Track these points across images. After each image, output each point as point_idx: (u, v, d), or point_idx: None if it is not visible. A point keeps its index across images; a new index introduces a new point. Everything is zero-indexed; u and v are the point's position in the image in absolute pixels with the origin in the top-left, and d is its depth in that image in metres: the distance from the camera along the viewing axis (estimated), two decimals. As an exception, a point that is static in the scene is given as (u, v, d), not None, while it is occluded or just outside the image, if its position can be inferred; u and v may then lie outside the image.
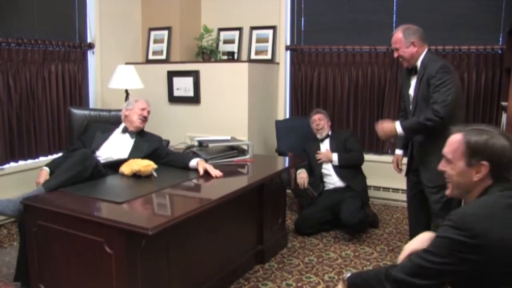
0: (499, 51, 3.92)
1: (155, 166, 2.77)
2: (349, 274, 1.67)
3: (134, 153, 3.03)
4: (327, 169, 3.87)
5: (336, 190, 3.80)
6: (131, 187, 2.57)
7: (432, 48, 4.07)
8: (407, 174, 3.05)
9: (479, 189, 1.51)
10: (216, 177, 2.77)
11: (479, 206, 1.42)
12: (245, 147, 3.32)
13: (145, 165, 2.72)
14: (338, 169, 3.81)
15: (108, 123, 3.48)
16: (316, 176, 3.88)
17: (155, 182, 2.62)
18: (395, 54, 2.87)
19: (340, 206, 3.60)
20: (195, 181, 2.76)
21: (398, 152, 3.21)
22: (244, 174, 3.09)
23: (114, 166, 2.87)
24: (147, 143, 3.13)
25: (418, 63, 2.78)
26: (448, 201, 2.58)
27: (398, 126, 2.79)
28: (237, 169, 3.09)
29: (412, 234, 2.95)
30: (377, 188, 4.50)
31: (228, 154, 3.22)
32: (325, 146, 3.94)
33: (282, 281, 2.90)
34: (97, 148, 3.03)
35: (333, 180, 3.83)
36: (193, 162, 2.94)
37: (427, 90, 2.69)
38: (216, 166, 3.04)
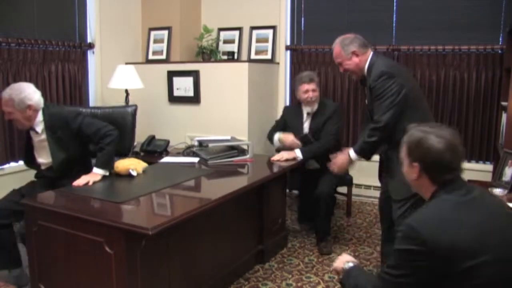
0: (499, 51, 3.91)
1: (136, 165, 2.76)
2: (350, 266, 1.69)
3: (54, 154, 2.79)
4: None
5: (314, 171, 3.53)
6: (131, 187, 2.57)
7: (432, 48, 4.09)
8: (379, 179, 2.96)
9: (426, 192, 1.55)
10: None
11: (426, 212, 1.45)
12: (245, 147, 3.32)
13: (122, 166, 2.72)
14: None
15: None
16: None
17: (155, 182, 2.62)
18: (341, 69, 2.73)
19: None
20: (195, 181, 2.76)
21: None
22: (244, 174, 3.09)
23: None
24: (59, 131, 2.76)
25: (365, 71, 2.64)
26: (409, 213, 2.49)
27: (351, 153, 2.70)
28: (237, 169, 3.09)
29: (383, 231, 2.90)
30: (368, 187, 4.51)
31: (228, 154, 3.22)
32: (308, 121, 3.55)
33: (282, 281, 2.90)
34: (33, 155, 2.91)
35: (309, 162, 3.53)
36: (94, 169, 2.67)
37: (372, 101, 2.59)
38: (216, 166, 3.05)
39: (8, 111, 2.67)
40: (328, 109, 3.50)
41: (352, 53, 2.61)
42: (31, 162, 2.95)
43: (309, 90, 3.43)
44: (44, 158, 2.87)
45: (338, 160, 2.78)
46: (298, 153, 3.29)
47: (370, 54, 2.63)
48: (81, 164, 2.87)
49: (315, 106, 3.50)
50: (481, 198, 1.48)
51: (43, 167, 2.90)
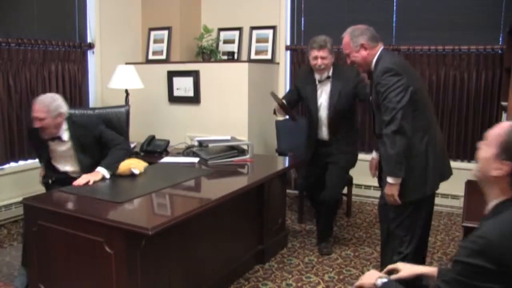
0: (499, 51, 3.91)
1: (137, 165, 2.77)
2: (385, 281, 1.59)
3: (82, 161, 2.87)
4: (322, 120, 3.35)
5: (324, 143, 3.37)
6: (131, 187, 2.57)
7: (432, 48, 4.09)
8: (379, 182, 2.72)
9: (496, 194, 1.43)
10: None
11: (505, 229, 1.30)
12: (245, 147, 3.32)
13: (124, 165, 2.73)
14: (331, 125, 3.31)
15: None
16: (313, 122, 3.37)
17: (155, 182, 2.62)
18: (348, 61, 2.57)
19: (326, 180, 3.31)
20: (195, 181, 2.76)
21: (374, 155, 2.83)
22: (244, 174, 3.09)
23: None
24: (84, 138, 2.85)
25: (372, 66, 2.47)
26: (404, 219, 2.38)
27: (389, 179, 2.36)
28: (237, 169, 3.09)
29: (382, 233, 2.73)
30: (368, 187, 4.51)
31: (228, 154, 3.22)
32: (325, 90, 3.30)
33: (282, 281, 2.90)
34: (50, 162, 2.96)
35: (323, 134, 3.37)
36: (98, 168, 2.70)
37: (377, 97, 2.38)
38: (216, 166, 3.05)
39: (41, 117, 2.71)
40: (348, 73, 3.24)
41: (361, 45, 2.45)
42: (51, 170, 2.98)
43: (318, 57, 3.18)
44: (70, 166, 2.94)
45: (387, 190, 2.39)
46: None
47: (380, 49, 2.47)
48: None
49: (325, 74, 3.24)
50: None
51: (74, 175, 2.86)
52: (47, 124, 2.74)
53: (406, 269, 1.66)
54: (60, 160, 2.94)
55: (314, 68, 3.25)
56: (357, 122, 3.59)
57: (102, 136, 2.90)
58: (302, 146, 4.04)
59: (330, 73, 3.26)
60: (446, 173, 2.50)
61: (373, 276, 1.63)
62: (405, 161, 2.32)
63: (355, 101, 3.36)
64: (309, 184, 3.56)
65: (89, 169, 2.77)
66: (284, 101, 3.34)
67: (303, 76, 3.44)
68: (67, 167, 2.95)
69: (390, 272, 1.70)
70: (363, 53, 2.46)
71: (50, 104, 2.73)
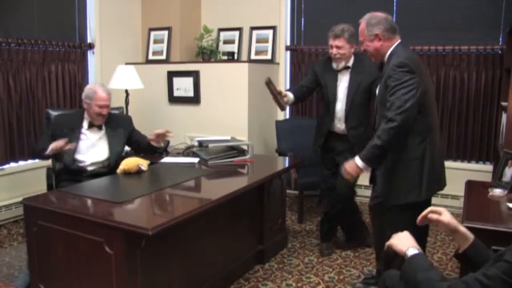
0: (499, 51, 3.91)
1: (143, 162, 2.79)
2: (415, 253, 1.50)
3: (113, 148, 3.07)
4: (338, 111, 3.19)
5: (337, 136, 3.23)
6: (131, 187, 2.57)
7: (432, 48, 4.09)
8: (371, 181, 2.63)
9: None
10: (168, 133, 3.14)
11: None
12: (245, 147, 3.32)
13: (131, 162, 2.75)
14: (347, 118, 3.15)
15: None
16: (330, 113, 3.20)
17: (155, 182, 2.62)
18: (361, 48, 2.45)
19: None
20: (195, 181, 2.76)
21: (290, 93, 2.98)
22: (244, 174, 3.09)
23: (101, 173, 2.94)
24: (120, 129, 3.13)
25: (385, 59, 2.37)
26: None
27: (358, 161, 2.34)
28: (237, 169, 3.09)
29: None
30: (368, 187, 4.49)
31: (228, 154, 3.22)
32: (343, 80, 3.15)
33: (282, 281, 2.90)
34: (75, 152, 3.00)
35: (337, 126, 3.21)
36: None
37: (385, 91, 2.28)
38: (216, 166, 3.05)
39: (108, 105, 3.02)
40: (366, 67, 3.05)
41: (375, 35, 2.34)
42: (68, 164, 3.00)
43: (333, 46, 3.05)
44: (95, 156, 3.04)
45: (348, 166, 2.40)
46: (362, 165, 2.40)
47: (397, 42, 2.36)
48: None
49: (341, 64, 3.09)
50: None
51: (95, 167, 3.03)
52: (107, 112, 3.04)
53: (447, 216, 1.57)
54: (87, 150, 3.03)
55: (332, 57, 3.11)
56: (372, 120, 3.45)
57: (133, 134, 3.24)
58: (302, 146, 4.04)
59: (350, 64, 3.12)
60: (442, 183, 2.45)
61: (405, 242, 1.55)
62: (379, 163, 2.32)
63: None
64: (327, 186, 3.34)
65: (118, 156, 3.06)
66: (281, 91, 3.10)
67: (322, 62, 3.29)
68: (92, 156, 3.03)
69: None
70: (377, 43, 2.35)
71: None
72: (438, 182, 2.41)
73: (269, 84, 2.97)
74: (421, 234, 2.36)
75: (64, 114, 3.25)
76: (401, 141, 2.26)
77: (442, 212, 1.59)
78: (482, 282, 1.25)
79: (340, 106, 3.16)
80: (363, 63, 3.10)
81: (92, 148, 3.06)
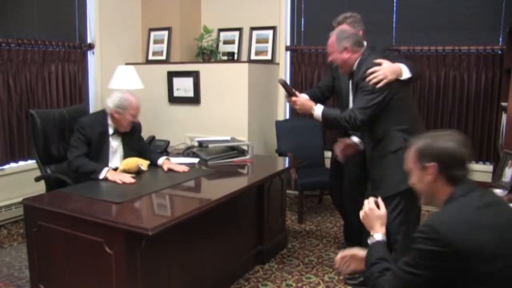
0: (499, 52, 3.91)
1: (142, 162, 2.79)
2: (376, 239, 1.71)
3: (127, 152, 3.00)
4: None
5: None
6: (131, 187, 2.56)
7: (432, 48, 4.09)
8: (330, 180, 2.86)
9: (442, 195, 1.54)
10: (184, 172, 2.86)
11: (447, 214, 1.46)
12: (245, 147, 3.32)
13: (131, 162, 2.75)
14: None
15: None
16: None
17: (155, 182, 2.62)
18: (329, 58, 2.63)
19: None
20: (195, 181, 2.76)
21: (356, 139, 2.90)
22: (244, 174, 3.09)
23: None
24: (135, 135, 3.10)
25: (355, 67, 2.55)
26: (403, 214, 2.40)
27: (317, 109, 2.53)
28: (237, 169, 3.09)
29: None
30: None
31: (228, 155, 3.22)
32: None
33: (282, 281, 2.90)
34: (108, 159, 2.94)
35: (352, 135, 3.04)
36: (160, 161, 3.01)
37: (356, 88, 2.49)
38: (216, 167, 3.05)
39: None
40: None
41: (344, 48, 2.52)
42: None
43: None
44: (117, 163, 2.94)
45: (305, 102, 2.61)
46: (317, 111, 2.59)
47: (362, 52, 2.54)
48: None
49: (342, 71, 2.93)
50: (497, 202, 1.52)
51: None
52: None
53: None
54: (112, 156, 2.99)
55: None
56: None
57: (140, 139, 3.19)
58: (302, 147, 4.04)
59: (355, 68, 3.05)
60: None
61: (372, 223, 1.75)
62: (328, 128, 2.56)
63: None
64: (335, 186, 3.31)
65: None
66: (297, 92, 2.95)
67: None
68: (115, 163, 2.96)
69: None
70: (345, 55, 2.53)
71: None
72: None
73: (285, 84, 2.87)
74: (415, 220, 2.51)
75: (90, 117, 3.05)
76: (387, 135, 2.44)
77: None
78: (404, 270, 1.44)
79: None
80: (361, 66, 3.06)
81: (114, 154, 2.99)
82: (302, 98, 2.64)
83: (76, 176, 2.82)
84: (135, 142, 3.10)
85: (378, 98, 2.39)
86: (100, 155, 2.89)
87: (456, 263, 1.35)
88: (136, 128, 3.10)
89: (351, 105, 3.00)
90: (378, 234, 1.71)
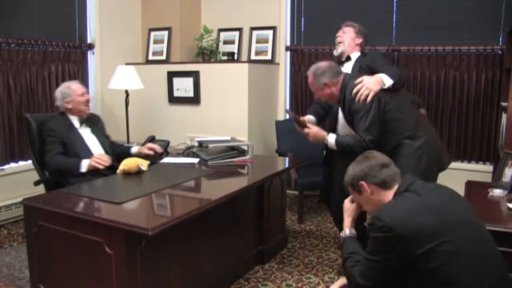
0: (499, 52, 3.91)
1: (142, 162, 2.79)
2: (346, 235, 1.92)
3: (103, 142, 3.15)
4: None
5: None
6: (131, 187, 2.57)
7: (432, 48, 4.09)
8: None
9: (386, 199, 1.74)
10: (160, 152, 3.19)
11: (390, 204, 1.67)
12: (245, 147, 3.32)
13: (131, 162, 2.75)
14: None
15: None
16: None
17: (155, 182, 2.62)
18: (314, 96, 2.79)
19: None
20: (195, 181, 2.76)
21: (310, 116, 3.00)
22: (244, 174, 3.09)
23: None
24: (98, 124, 3.25)
25: (341, 94, 2.64)
26: None
27: (331, 138, 2.65)
28: (237, 169, 3.09)
29: None
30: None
31: (228, 155, 3.22)
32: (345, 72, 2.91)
33: (282, 281, 2.90)
34: (88, 149, 3.03)
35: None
36: (134, 149, 3.24)
37: (349, 113, 2.61)
38: (216, 167, 3.04)
39: (86, 91, 3.19)
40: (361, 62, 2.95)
41: (324, 84, 2.62)
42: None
43: (340, 31, 3.08)
44: (97, 150, 3.08)
45: (317, 132, 2.72)
46: (331, 139, 2.69)
47: (342, 78, 2.63)
48: None
49: (340, 48, 3.04)
50: (438, 187, 1.77)
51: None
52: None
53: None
54: (90, 145, 3.08)
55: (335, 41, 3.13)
56: None
57: (106, 135, 3.30)
58: (302, 147, 4.03)
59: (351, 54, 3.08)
60: (444, 164, 2.72)
61: (345, 218, 1.96)
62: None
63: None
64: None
65: (108, 149, 3.17)
66: (305, 119, 2.97)
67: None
68: (94, 150, 3.07)
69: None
70: (327, 91, 2.64)
71: None
72: (439, 166, 2.68)
73: (296, 118, 2.87)
74: None
75: (54, 119, 3.08)
76: (396, 146, 2.55)
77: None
78: (367, 259, 1.64)
79: (342, 130, 2.91)
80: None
81: (90, 143, 3.08)
82: (314, 129, 2.74)
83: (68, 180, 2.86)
84: (103, 132, 3.27)
85: (373, 112, 2.49)
86: (78, 148, 2.98)
87: (403, 245, 1.52)
88: (93, 119, 3.22)
89: (340, 119, 2.98)
90: (345, 230, 1.93)
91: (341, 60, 3.08)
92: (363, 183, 1.76)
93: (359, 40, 3.04)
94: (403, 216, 1.54)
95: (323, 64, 2.68)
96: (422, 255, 1.50)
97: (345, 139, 2.63)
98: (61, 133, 2.95)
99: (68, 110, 3.05)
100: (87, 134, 3.10)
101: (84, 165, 2.84)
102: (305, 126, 2.78)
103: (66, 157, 2.91)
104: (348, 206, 1.97)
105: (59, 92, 3.08)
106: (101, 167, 2.83)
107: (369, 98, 2.50)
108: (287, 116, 3.13)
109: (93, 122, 3.19)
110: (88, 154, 2.96)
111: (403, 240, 1.51)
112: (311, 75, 2.68)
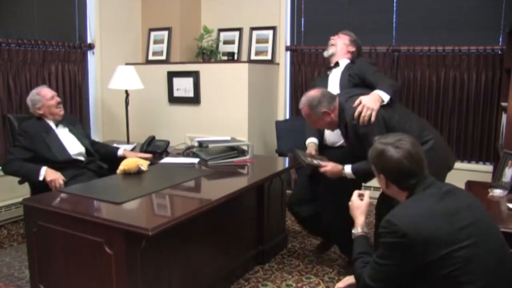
0: (499, 52, 3.91)
1: (142, 162, 2.80)
2: (358, 232, 1.86)
3: (83, 141, 3.27)
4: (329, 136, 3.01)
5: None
6: (131, 187, 2.57)
7: (432, 48, 4.09)
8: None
9: (401, 197, 1.70)
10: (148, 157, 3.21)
11: (403, 208, 1.61)
12: (245, 147, 3.32)
13: (131, 163, 2.76)
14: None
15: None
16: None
17: (155, 182, 2.62)
18: (313, 127, 2.76)
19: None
20: (195, 181, 2.76)
21: (315, 140, 2.98)
22: (244, 174, 3.09)
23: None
24: (77, 125, 3.38)
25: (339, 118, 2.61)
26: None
27: (347, 169, 2.61)
28: (237, 169, 3.09)
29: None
30: (368, 187, 4.50)
31: (228, 155, 3.22)
32: (333, 78, 3.00)
33: (282, 281, 2.90)
34: (65, 149, 3.13)
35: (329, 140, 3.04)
36: (120, 151, 3.36)
37: (355, 138, 2.54)
38: (216, 167, 3.05)
39: (56, 94, 3.26)
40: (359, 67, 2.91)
41: (323, 113, 2.56)
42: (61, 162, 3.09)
43: (335, 35, 3.09)
44: (75, 149, 3.20)
45: (334, 168, 2.67)
46: (347, 170, 2.65)
47: (338, 102, 2.58)
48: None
49: (331, 50, 3.04)
50: (455, 191, 1.66)
51: (83, 158, 3.23)
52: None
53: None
54: (67, 145, 3.17)
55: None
56: None
57: (87, 135, 3.47)
58: (302, 147, 4.03)
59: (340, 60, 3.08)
60: (452, 163, 2.69)
61: (356, 214, 1.91)
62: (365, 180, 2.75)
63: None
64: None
65: (90, 146, 3.32)
66: (311, 151, 2.96)
67: (321, 79, 3.20)
68: (72, 149, 3.18)
69: None
70: (328, 119, 2.59)
71: None
72: (448, 166, 2.64)
73: (310, 165, 2.83)
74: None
75: (31, 120, 3.18)
76: None
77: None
78: (377, 262, 1.60)
79: (329, 138, 3.01)
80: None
81: (67, 143, 3.18)
82: (329, 166, 2.68)
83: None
84: (83, 132, 3.40)
85: (376, 129, 2.42)
86: (54, 149, 3.06)
87: (415, 251, 1.48)
88: (71, 120, 3.34)
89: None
90: (357, 228, 1.87)
91: (329, 66, 3.09)
92: (383, 176, 1.71)
93: (352, 49, 3.04)
94: (418, 221, 1.49)
95: (315, 94, 2.58)
96: (436, 261, 1.46)
97: (361, 166, 2.54)
98: (35, 135, 3.04)
99: (42, 115, 3.15)
100: (64, 133, 3.21)
101: (43, 173, 2.91)
102: (320, 167, 2.72)
103: (33, 162, 2.99)
104: (359, 203, 1.92)
105: (29, 100, 3.16)
106: (53, 187, 2.87)
107: (373, 118, 2.44)
108: (296, 158, 2.93)
109: (70, 122, 3.30)
110: (64, 154, 3.10)
111: (417, 247, 1.47)
112: (306, 108, 2.59)
